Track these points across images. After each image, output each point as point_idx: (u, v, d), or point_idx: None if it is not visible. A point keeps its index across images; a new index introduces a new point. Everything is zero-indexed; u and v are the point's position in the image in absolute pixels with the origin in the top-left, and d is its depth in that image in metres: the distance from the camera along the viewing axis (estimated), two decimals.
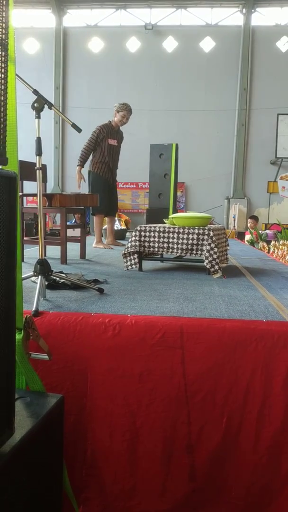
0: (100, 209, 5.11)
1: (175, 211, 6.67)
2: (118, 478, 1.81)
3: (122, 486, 1.80)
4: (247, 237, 8.54)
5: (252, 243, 7.77)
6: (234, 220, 13.77)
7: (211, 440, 1.78)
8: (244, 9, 14.39)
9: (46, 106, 2.16)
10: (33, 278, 2.33)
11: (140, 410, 1.78)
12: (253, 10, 14.40)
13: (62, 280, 2.50)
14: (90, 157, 5.14)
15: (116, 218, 6.97)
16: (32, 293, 2.19)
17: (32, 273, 2.27)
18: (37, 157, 2.14)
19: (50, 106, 2.12)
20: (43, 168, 2.48)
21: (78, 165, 5.07)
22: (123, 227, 7.05)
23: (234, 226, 13.51)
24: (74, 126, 2.21)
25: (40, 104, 2.09)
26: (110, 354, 1.78)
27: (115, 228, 6.83)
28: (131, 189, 14.79)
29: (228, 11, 14.65)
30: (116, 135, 5.25)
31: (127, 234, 7.04)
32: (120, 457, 1.80)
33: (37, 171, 2.14)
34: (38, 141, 2.12)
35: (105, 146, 5.11)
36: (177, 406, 1.78)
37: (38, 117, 2.10)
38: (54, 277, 2.43)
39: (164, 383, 1.78)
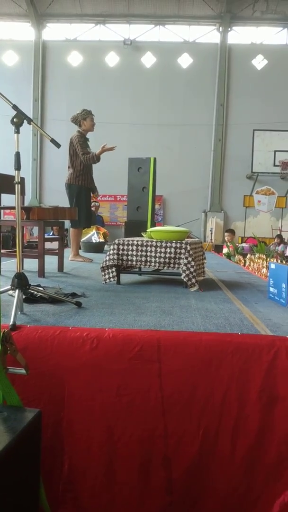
0: (81, 222, 5.09)
1: (153, 224, 6.72)
2: (95, 493, 1.80)
3: (99, 501, 1.80)
4: (225, 250, 8.66)
5: (229, 256, 7.88)
6: (211, 233, 13.95)
7: (187, 453, 1.80)
8: (220, 28, 14.76)
9: (25, 121, 2.17)
10: (10, 292, 2.32)
11: (117, 424, 1.79)
12: (229, 29, 14.79)
13: (40, 294, 2.49)
14: (71, 171, 5.10)
15: (94, 231, 6.98)
16: (9, 307, 2.19)
17: (9, 286, 2.26)
18: (16, 171, 2.15)
19: (30, 121, 2.14)
20: (22, 182, 2.49)
21: (95, 156, 4.98)
22: (102, 240, 7.05)
23: (211, 239, 13.68)
24: (53, 141, 2.23)
25: (19, 119, 2.11)
26: (88, 368, 1.79)
27: (93, 241, 6.84)
28: (110, 201, 14.83)
29: (205, 29, 15.01)
30: (87, 143, 5.26)
31: (105, 247, 7.05)
32: (97, 472, 1.80)
33: (16, 185, 2.15)
34: (17, 155, 2.13)
35: (87, 157, 5.09)
36: (154, 419, 1.79)
37: (18, 132, 2.11)
38: (32, 291, 2.43)
39: (141, 397, 1.79)
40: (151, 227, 4.97)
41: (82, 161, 5.00)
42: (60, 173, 5.56)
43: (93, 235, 6.97)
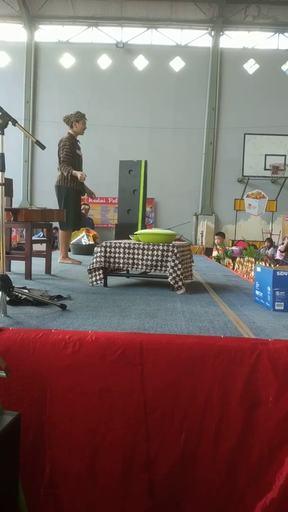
0: (69, 224, 5.06)
1: (143, 226, 6.73)
2: (76, 496, 1.79)
3: (81, 504, 1.79)
4: (214, 253, 8.68)
5: (218, 259, 7.89)
6: (202, 236, 13.98)
7: (169, 456, 1.79)
8: (213, 32, 14.84)
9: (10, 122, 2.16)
10: None
11: (99, 427, 1.78)
12: (221, 33, 14.87)
13: (24, 296, 2.48)
14: (59, 172, 5.10)
15: (84, 233, 6.96)
16: None
17: None
18: (0, 172, 2.14)
19: (14, 123, 2.13)
20: (7, 183, 2.48)
21: (71, 171, 4.98)
22: (91, 242, 7.03)
23: (202, 242, 13.71)
24: (37, 143, 2.23)
25: (4, 120, 2.10)
26: (70, 371, 1.78)
27: (83, 244, 6.82)
28: (101, 204, 14.83)
29: (198, 33, 15.08)
30: (78, 145, 5.26)
31: (95, 249, 7.03)
32: (79, 475, 1.79)
33: (0, 186, 2.14)
34: (2, 157, 2.12)
35: (74, 157, 5.10)
36: (136, 422, 1.79)
37: (2, 133, 2.11)
38: (16, 293, 2.41)
39: (124, 400, 1.78)
40: (141, 229, 4.97)
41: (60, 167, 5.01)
42: (52, 174, 5.55)
43: (83, 237, 6.95)
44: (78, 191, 5.20)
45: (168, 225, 13.28)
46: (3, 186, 2.11)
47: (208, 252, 11.29)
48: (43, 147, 2.25)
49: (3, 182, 2.12)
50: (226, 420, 1.79)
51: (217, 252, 8.44)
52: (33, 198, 15.28)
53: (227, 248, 8.90)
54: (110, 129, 14.39)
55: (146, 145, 14.46)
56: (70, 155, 5.02)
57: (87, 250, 6.75)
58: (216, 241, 9.21)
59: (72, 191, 5.09)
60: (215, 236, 9.61)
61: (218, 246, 8.80)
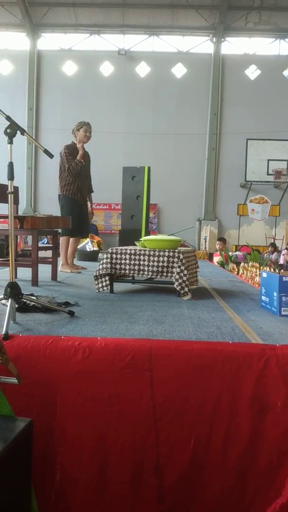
0: (68, 230, 5.03)
1: (147, 232, 6.75)
2: (87, 502, 1.80)
3: (91, 510, 1.80)
4: (216, 258, 8.69)
5: (222, 264, 7.90)
6: (206, 241, 13.99)
7: (179, 461, 1.80)
8: (214, 38, 14.92)
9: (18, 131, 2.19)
10: (3, 301, 2.33)
11: (109, 433, 1.80)
12: (222, 39, 14.95)
13: (33, 303, 2.50)
14: (58, 182, 5.16)
15: (88, 239, 6.99)
16: (1, 316, 2.19)
17: (1, 296, 2.27)
18: (9, 181, 2.17)
19: (23, 132, 2.16)
20: (14, 191, 2.50)
21: (76, 161, 5.09)
22: (96, 248, 7.06)
23: (205, 248, 13.72)
24: (46, 152, 2.26)
25: (12, 130, 2.13)
26: (80, 377, 1.80)
27: (87, 250, 6.85)
28: (104, 210, 14.86)
29: (199, 40, 15.17)
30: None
31: (99, 255, 7.06)
32: (89, 481, 1.80)
33: (9, 195, 2.17)
34: (10, 166, 2.15)
35: (72, 166, 5.11)
36: (145, 428, 1.80)
37: (11, 142, 2.14)
38: (25, 300, 2.43)
39: (133, 406, 1.80)
40: (145, 235, 5.00)
41: (71, 171, 5.06)
42: (55, 181, 5.60)
43: (87, 244, 6.98)
44: (75, 200, 5.16)
45: (171, 231, 13.24)
46: (13, 194, 2.14)
47: (211, 257, 11.29)
48: (51, 156, 2.28)
49: (12, 190, 2.14)
50: (235, 426, 1.80)
51: (221, 257, 8.45)
52: (37, 205, 15.33)
53: (230, 253, 8.91)
54: (113, 136, 14.45)
55: (149, 151, 14.51)
56: (71, 158, 5.08)
57: (92, 256, 6.78)
58: (217, 247, 9.23)
59: (69, 199, 5.11)
60: (217, 242, 9.63)
61: (220, 252, 8.81)
